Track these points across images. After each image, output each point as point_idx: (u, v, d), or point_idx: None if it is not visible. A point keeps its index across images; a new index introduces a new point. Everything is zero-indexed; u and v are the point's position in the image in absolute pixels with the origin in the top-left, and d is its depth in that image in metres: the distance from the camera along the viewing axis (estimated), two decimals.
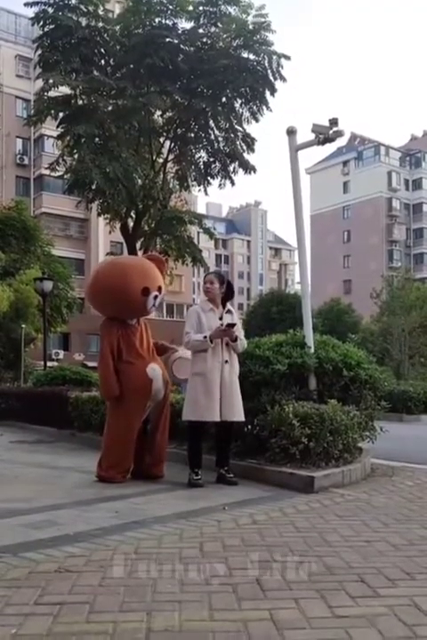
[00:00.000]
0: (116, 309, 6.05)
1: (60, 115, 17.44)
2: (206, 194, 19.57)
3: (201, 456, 5.68)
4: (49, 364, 21.88)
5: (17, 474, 6.36)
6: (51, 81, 16.33)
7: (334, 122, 6.76)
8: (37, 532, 3.86)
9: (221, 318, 5.70)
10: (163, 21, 16.89)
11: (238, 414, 5.63)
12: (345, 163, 78.75)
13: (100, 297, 6.26)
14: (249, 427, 6.12)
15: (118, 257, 7.02)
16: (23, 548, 3.47)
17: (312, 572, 3.06)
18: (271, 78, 16.91)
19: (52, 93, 17.14)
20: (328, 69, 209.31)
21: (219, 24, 16.93)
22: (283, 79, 16.91)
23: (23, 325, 24.40)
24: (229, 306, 5.90)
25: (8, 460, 7.71)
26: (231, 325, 5.55)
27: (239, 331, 5.76)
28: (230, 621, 2.45)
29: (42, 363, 22.11)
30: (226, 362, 5.59)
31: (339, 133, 6.83)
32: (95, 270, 6.51)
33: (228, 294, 5.90)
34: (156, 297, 6.03)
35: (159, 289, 6.10)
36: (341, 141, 56.86)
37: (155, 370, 5.90)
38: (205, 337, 5.50)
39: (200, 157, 18.71)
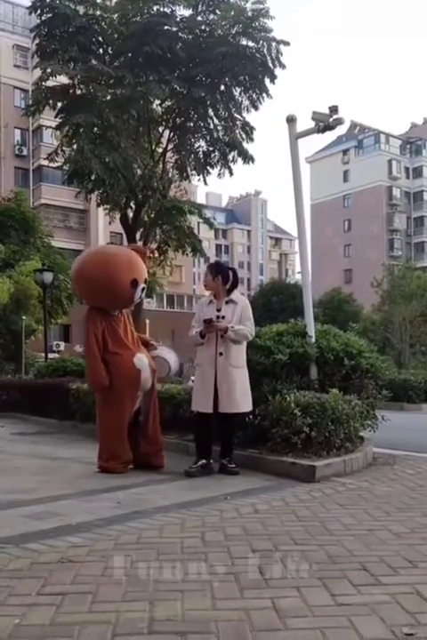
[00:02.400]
0: (102, 299, 6.00)
1: (59, 105, 17.35)
2: (206, 183, 19.51)
3: (204, 445, 5.67)
4: (50, 355, 21.89)
5: (18, 465, 6.37)
6: (49, 70, 16.23)
7: (333, 109, 6.72)
8: (39, 523, 3.86)
9: (219, 310, 5.68)
10: (161, 9, 16.76)
11: (237, 406, 5.60)
12: (345, 151, 78.50)
13: (87, 285, 6.19)
14: (251, 417, 6.12)
15: (106, 246, 7.02)
16: (25, 539, 3.48)
17: (314, 561, 3.06)
18: (271, 65, 16.79)
19: (50, 83, 17.02)
20: (328, 57, 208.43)
21: (217, 11, 16.80)
22: (282, 66, 16.80)
23: (24, 317, 24.42)
24: (232, 296, 5.79)
25: (9, 452, 7.72)
26: (208, 321, 5.52)
27: (243, 320, 5.67)
28: (233, 610, 2.45)
29: (43, 354, 22.11)
30: (220, 354, 5.57)
31: (339, 121, 6.80)
32: (82, 258, 6.34)
33: (233, 283, 5.82)
34: (143, 289, 6.09)
35: (145, 281, 6.18)
36: (341, 130, 56.52)
37: (142, 360, 5.92)
38: (197, 332, 5.60)
39: (199, 147, 18.62)
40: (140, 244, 18.25)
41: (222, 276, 5.79)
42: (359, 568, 2.97)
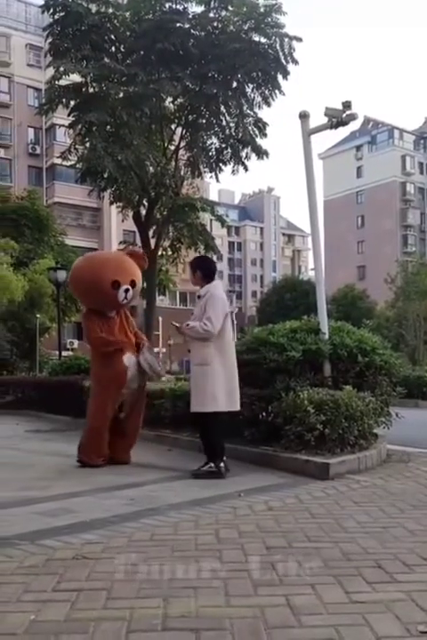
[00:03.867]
0: (91, 301, 6.45)
1: (72, 103, 17.41)
2: (218, 180, 19.50)
3: (208, 446, 5.61)
4: (64, 353, 22.00)
5: (33, 462, 6.41)
6: (61, 69, 16.30)
7: (347, 105, 6.68)
8: (54, 520, 3.88)
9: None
10: (173, 6, 16.78)
11: (193, 405, 5.53)
12: (358, 147, 78.08)
13: (77, 289, 6.80)
14: (264, 414, 6.10)
15: (98, 252, 7.50)
16: (40, 536, 3.50)
17: (328, 558, 3.05)
18: (283, 61, 16.75)
19: (63, 82, 17.08)
20: (341, 51, 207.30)
21: (229, 7, 16.77)
22: (295, 62, 16.74)
23: (38, 315, 24.58)
24: (201, 290, 5.62)
25: (24, 449, 7.77)
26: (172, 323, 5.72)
27: (203, 316, 5.41)
28: (247, 607, 2.45)
29: (57, 352, 22.24)
30: (188, 351, 5.66)
31: (352, 117, 6.76)
32: (75, 263, 6.83)
33: (204, 275, 5.69)
34: (127, 290, 6.20)
35: (132, 283, 6.29)
36: (354, 125, 56.36)
37: (130, 359, 6.12)
38: None
39: (212, 144, 18.61)
40: (152, 241, 18.30)
41: (200, 271, 5.74)
42: (374, 565, 2.95)
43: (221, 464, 5.40)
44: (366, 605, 2.47)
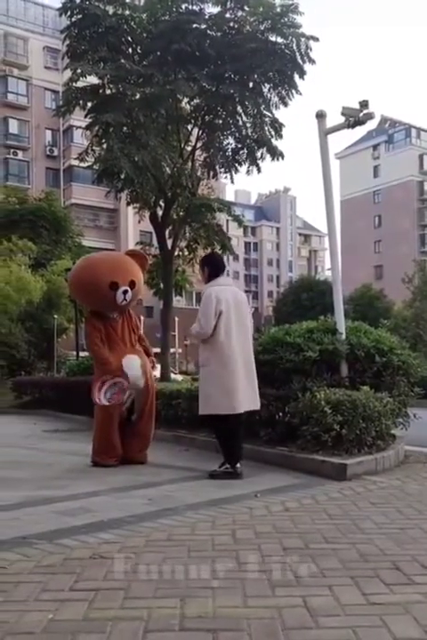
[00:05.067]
0: (91, 303, 6.51)
1: (89, 104, 17.49)
2: (233, 182, 19.50)
3: (223, 447, 5.58)
4: (81, 353, 22.12)
5: (51, 462, 6.45)
6: (79, 71, 16.36)
7: (364, 104, 6.66)
8: (72, 519, 3.90)
9: None
10: (190, 7, 16.77)
11: (199, 407, 5.55)
12: (375, 146, 77.66)
13: (75, 292, 6.90)
14: (280, 414, 6.09)
15: (95, 254, 7.49)
16: (58, 535, 3.52)
17: (346, 560, 3.04)
18: (300, 61, 16.67)
19: (80, 83, 17.16)
20: (358, 51, 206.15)
21: (246, 7, 16.72)
22: (312, 61, 16.65)
23: (55, 316, 24.73)
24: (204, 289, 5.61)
25: (42, 449, 7.83)
26: None
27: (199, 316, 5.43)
28: (264, 608, 2.44)
29: (74, 353, 22.36)
30: None
31: (369, 116, 6.73)
32: (74, 266, 6.95)
33: (212, 271, 5.63)
34: (126, 291, 6.18)
35: (132, 283, 6.25)
36: (371, 125, 55.93)
37: (131, 360, 6.13)
38: None
39: (228, 144, 18.58)
40: (169, 242, 18.33)
41: (208, 267, 5.71)
42: (392, 567, 2.93)
43: (238, 465, 5.36)
44: (383, 607, 2.45)
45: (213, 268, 5.65)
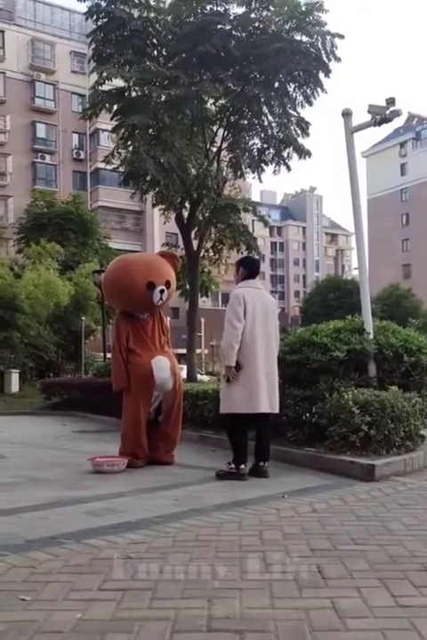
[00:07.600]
0: (124, 303, 6.48)
1: (115, 107, 17.61)
2: (261, 181, 19.43)
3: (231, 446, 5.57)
4: (108, 355, 22.24)
5: (79, 463, 6.50)
6: (105, 74, 16.48)
7: (390, 101, 6.59)
8: (99, 520, 3.93)
9: None
10: (214, 8, 16.77)
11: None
12: (402, 144, 76.73)
13: (109, 292, 6.87)
14: (307, 415, 6.06)
15: (129, 254, 7.52)
16: (86, 535, 3.54)
17: (374, 561, 3.01)
18: (325, 59, 16.56)
19: (106, 86, 17.29)
20: (384, 47, 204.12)
21: (271, 7, 16.68)
22: (337, 59, 16.53)
23: (83, 318, 24.94)
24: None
25: (71, 449, 7.91)
26: None
27: None
28: (292, 609, 2.43)
29: (101, 354, 22.51)
30: None
31: (396, 113, 6.66)
32: (107, 268, 6.95)
33: (247, 273, 5.60)
34: (162, 291, 6.23)
35: (167, 283, 6.31)
36: (398, 122, 55.33)
37: (160, 361, 6.17)
38: None
39: (254, 144, 18.54)
40: (195, 243, 18.36)
41: (243, 268, 5.67)
42: (421, 569, 2.90)
43: (242, 465, 5.32)
44: (413, 609, 2.42)
45: (249, 270, 5.64)
